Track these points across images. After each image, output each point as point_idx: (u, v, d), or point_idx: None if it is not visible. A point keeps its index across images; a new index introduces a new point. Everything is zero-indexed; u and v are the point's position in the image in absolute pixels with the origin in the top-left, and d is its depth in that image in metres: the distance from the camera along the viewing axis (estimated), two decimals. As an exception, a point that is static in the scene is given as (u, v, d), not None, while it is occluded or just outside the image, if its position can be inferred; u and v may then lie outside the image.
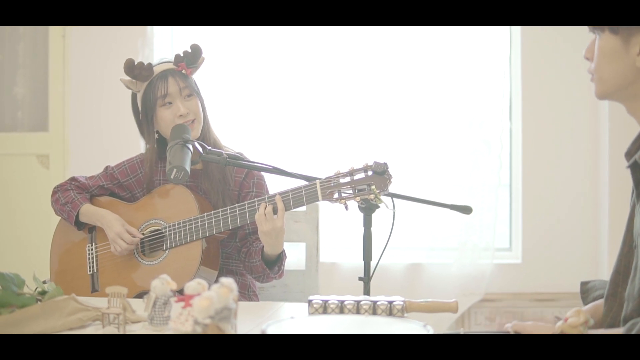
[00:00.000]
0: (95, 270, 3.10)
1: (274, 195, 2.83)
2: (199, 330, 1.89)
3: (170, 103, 3.03)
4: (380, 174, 2.72)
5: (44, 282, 2.49)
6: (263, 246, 2.95)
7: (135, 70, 3.04)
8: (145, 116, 3.09)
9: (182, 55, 3.07)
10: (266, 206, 2.81)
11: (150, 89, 3.04)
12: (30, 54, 5.07)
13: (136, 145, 4.73)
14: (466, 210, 3.00)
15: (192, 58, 3.07)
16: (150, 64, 3.05)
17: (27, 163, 5.02)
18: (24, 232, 4.97)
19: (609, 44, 2.04)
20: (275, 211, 2.81)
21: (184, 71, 3.06)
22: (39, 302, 2.30)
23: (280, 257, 3.01)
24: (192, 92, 3.06)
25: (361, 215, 2.81)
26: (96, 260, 3.10)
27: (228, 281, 1.95)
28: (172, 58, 3.09)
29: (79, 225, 3.13)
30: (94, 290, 3.08)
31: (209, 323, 1.87)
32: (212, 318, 1.88)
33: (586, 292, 2.38)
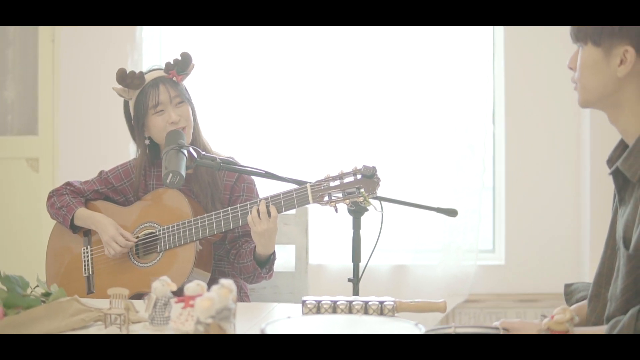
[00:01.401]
0: (90, 273, 3.16)
1: (268, 200, 2.90)
2: (201, 330, 1.96)
3: (162, 111, 3.10)
4: (369, 177, 2.79)
5: (37, 286, 2.55)
6: (255, 247, 3.02)
7: (127, 79, 3.11)
8: (137, 123, 3.16)
9: (172, 63, 3.13)
10: (258, 208, 2.88)
11: (142, 97, 3.12)
12: (20, 58, 5.10)
13: (125, 149, 4.78)
14: (452, 213, 3.09)
15: (182, 66, 3.14)
16: (142, 73, 3.12)
17: (16, 167, 5.04)
18: (14, 236, 4.99)
19: (591, 56, 2.12)
20: (268, 213, 2.89)
21: (174, 78, 3.13)
22: (43, 304, 2.36)
23: (270, 257, 3.09)
24: (183, 99, 3.14)
25: (349, 218, 2.89)
26: (91, 263, 3.16)
27: (228, 282, 2.03)
28: (162, 65, 3.16)
29: (74, 228, 3.19)
30: (90, 292, 3.14)
31: (211, 322, 1.95)
32: (214, 318, 1.96)
33: (570, 293, 2.46)
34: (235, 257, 3.14)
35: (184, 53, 3.15)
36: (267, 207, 2.88)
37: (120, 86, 3.13)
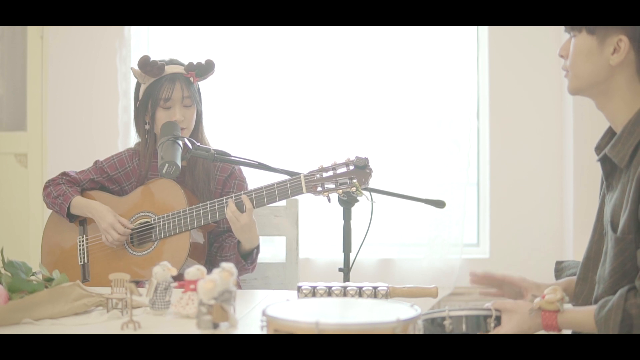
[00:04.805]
0: (86, 261, 3.21)
1: (240, 194, 2.97)
2: (204, 311, 2.01)
3: (170, 107, 3.17)
4: (361, 168, 2.85)
5: (34, 274, 2.59)
6: (238, 241, 3.09)
7: (148, 67, 3.17)
8: (143, 107, 3.22)
9: (195, 64, 3.20)
10: (228, 205, 2.96)
11: (156, 86, 3.19)
12: (9, 54, 5.12)
13: (114, 144, 4.83)
14: (439, 204, 3.14)
15: (203, 71, 3.22)
16: (163, 65, 3.18)
17: (5, 162, 5.06)
18: (2, 231, 5.01)
19: (585, 44, 2.19)
20: (241, 209, 2.96)
21: (191, 79, 3.20)
22: (46, 289, 2.41)
23: (254, 250, 3.15)
24: (193, 103, 3.21)
25: (338, 211, 2.93)
26: (87, 252, 3.21)
27: (229, 266, 2.08)
28: (184, 62, 3.23)
29: (71, 217, 3.24)
30: (85, 280, 3.19)
31: (214, 304, 2.01)
32: (216, 299, 2.01)
33: (560, 270, 2.54)
34: (218, 250, 3.21)
35: (209, 60, 3.22)
36: (240, 200, 2.94)
37: (139, 70, 3.19)
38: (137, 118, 3.28)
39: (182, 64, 3.24)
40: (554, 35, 4.69)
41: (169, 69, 3.20)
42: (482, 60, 4.93)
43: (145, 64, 3.17)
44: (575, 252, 4.65)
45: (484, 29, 4.91)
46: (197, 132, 3.28)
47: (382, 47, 4.90)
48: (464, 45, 4.87)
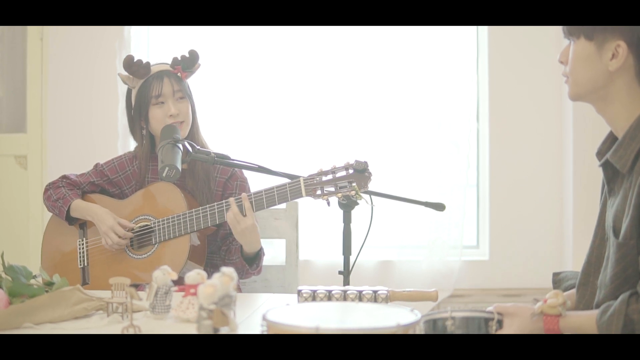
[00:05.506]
0: (85, 264, 3.21)
1: (239, 197, 2.97)
2: (204, 316, 2.01)
3: (162, 103, 3.17)
4: (361, 172, 2.85)
5: (34, 277, 2.59)
6: (241, 245, 3.09)
7: (133, 67, 3.17)
8: (137, 112, 3.22)
9: (179, 59, 3.21)
10: (230, 207, 2.96)
11: (145, 86, 3.18)
12: (8, 56, 5.11)
13: (114, 146, 4.82)
14: (439, 207, 3.14)
15: (188, 63, 3.22)
16: (148, 63, 3.19)
17: (5, 164, 5.05)
18: (2, 233, 5.00)
19: (584, 50, 2.19)
20: (243, 212, 2.96)
21: (179, 74, 3.20)
22: (46, 293, 2.41)
23: (258, 254, 3.15)
24: (185, 96, 3.21)
25: (336, 215, 2.94)
26: (87, 255, 3.21)
27: (229, 270, 2.07)
28: (169, 61, 3.22)
29: (70, 220, 3.23)
30: (85, 283, 3.19)
31: (214, 309, 2.00)
32: (216, 304, 2.01)
33: (558, 282, 2.53)
34: (226, 254, 3.21)
35: (192, 51, 3.22)
36: (240, 201, 2.94)
37: (125, 73, 3.19)
38: (133, 125, 3.28)
39: (166, 63, 3.24)
40: (554, 36, 4.69)
41: (155, 68, 3.21)
42: (482, 62, 4.92)
43: (130, 64, 3.17)
44: (574, 254, 4.65)
45: (484, 30, 4.91)
46: (192, 128, 3.27)
47: (381, 48, 4.90)
48: (463, 46, 4.86)
